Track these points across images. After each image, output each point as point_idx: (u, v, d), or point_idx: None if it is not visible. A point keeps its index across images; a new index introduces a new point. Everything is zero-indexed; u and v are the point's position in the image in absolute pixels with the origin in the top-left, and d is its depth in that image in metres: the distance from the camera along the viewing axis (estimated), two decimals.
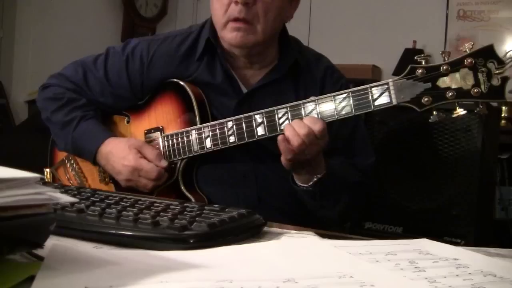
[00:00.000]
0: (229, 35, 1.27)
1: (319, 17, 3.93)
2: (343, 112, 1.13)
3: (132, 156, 1.29)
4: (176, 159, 1.33)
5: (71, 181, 1.47)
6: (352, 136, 1.37)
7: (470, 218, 1.74)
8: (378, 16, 3.76)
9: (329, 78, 1.38)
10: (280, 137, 1.15)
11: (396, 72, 3.26)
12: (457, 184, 1.77)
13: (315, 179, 1.21)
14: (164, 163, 1.30)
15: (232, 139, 1.24)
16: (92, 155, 1.36)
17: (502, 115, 2.80)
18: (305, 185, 1.23)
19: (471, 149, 1.75)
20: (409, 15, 3.64)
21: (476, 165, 1.74)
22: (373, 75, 3.50)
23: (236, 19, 1.25)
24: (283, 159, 1.17)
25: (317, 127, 1.12)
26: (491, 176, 1.99)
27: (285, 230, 0.86)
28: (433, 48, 3.40)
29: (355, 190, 1.32)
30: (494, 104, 2.00)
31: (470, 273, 0.60)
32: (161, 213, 0.77)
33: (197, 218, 0.75)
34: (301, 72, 1.37)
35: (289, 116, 1.16)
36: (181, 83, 1.35)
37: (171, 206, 0.82)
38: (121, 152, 1.31)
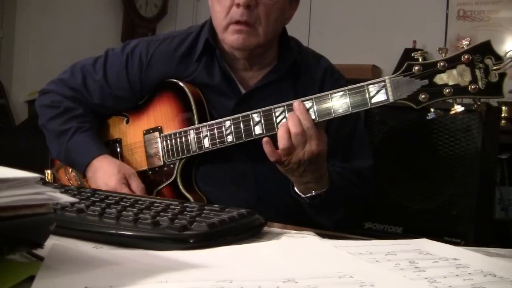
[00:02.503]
0: (230, 38, 1.27)
1: (319, 17, 3.93)
2: (340, 110, 1.12)
3: (116, 178, 1.29)
4: (174, 159, 1.33)
5: (71, 182, 1.47)
6: (351, 138, 1.36)
7: (470, 218, 1.74)
8: (378, 16, 3.76)
9: (328, 79, 1.37)
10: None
11: (396, 72, 3.24)
12: (457, 184, 1.76)
13: (313, 193, 1.19)
14: None
15: (230, 138, 1.24)
16: (82, 168, 1.37)
17: (502, 115, 2.81)
18: (302, 195, 1.21)
19: (471, 149, 1.74)
20: (409, 15, 3.64)
21: (476, 165, 1.74)
22: (373, 75, 3.49)
23: (237, 22, 1.24)
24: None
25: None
26: (491, 176, 1.98)
27: (285, 230, 0.86)
28: (433, 48, 3.38)
29: (353, 204, 1.31)
30: (494, 104, 2.00)
31: (470, 273, 0.60)
32: (161, 213, 0.77)
33: (197, 218, 0.75)
34: (301, 72, 1.37)
35: (287, 115, 1.16)
36: (180, 83, 1.35)
37: (171, 206, 0.82)
38: (109, 171, 1.31)
